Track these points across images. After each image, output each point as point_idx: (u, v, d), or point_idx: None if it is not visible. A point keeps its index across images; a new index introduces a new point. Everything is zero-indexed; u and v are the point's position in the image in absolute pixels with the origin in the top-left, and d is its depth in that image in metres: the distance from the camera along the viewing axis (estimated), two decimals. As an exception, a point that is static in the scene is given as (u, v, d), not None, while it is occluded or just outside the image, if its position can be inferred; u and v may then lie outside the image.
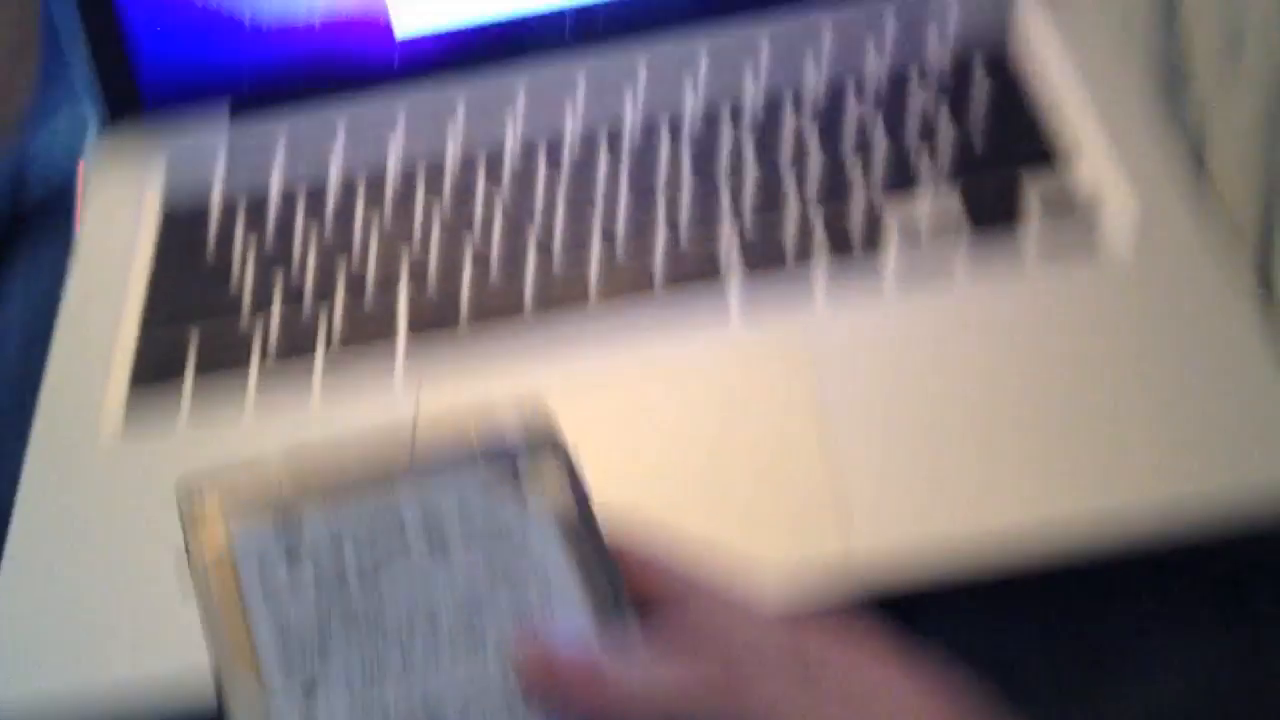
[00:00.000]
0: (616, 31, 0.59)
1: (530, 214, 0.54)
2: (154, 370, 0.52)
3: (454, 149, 0.57)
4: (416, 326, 0.51)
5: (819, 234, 0.51)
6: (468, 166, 0.57)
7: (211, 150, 0.59)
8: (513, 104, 0.58)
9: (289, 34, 0.59)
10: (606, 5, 0.59)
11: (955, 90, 0.54)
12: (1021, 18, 0.57)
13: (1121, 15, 0.55)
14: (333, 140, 0.58)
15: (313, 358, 0.51)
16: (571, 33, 0.59)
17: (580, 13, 0.59)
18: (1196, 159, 0.50)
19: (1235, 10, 0.52)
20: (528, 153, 0.56)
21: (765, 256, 0.50)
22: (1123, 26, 0.55)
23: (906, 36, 0.57)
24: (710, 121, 0.56)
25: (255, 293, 0.54)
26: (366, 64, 0.59)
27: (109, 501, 0.48)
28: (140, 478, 0.49)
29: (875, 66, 0.56)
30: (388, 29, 0.59)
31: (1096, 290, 0.47)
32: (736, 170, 0.54)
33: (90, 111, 0.60)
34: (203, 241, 0.56)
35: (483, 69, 0.59)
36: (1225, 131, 0.50)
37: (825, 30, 0.58)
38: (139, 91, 0.60)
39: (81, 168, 0.60)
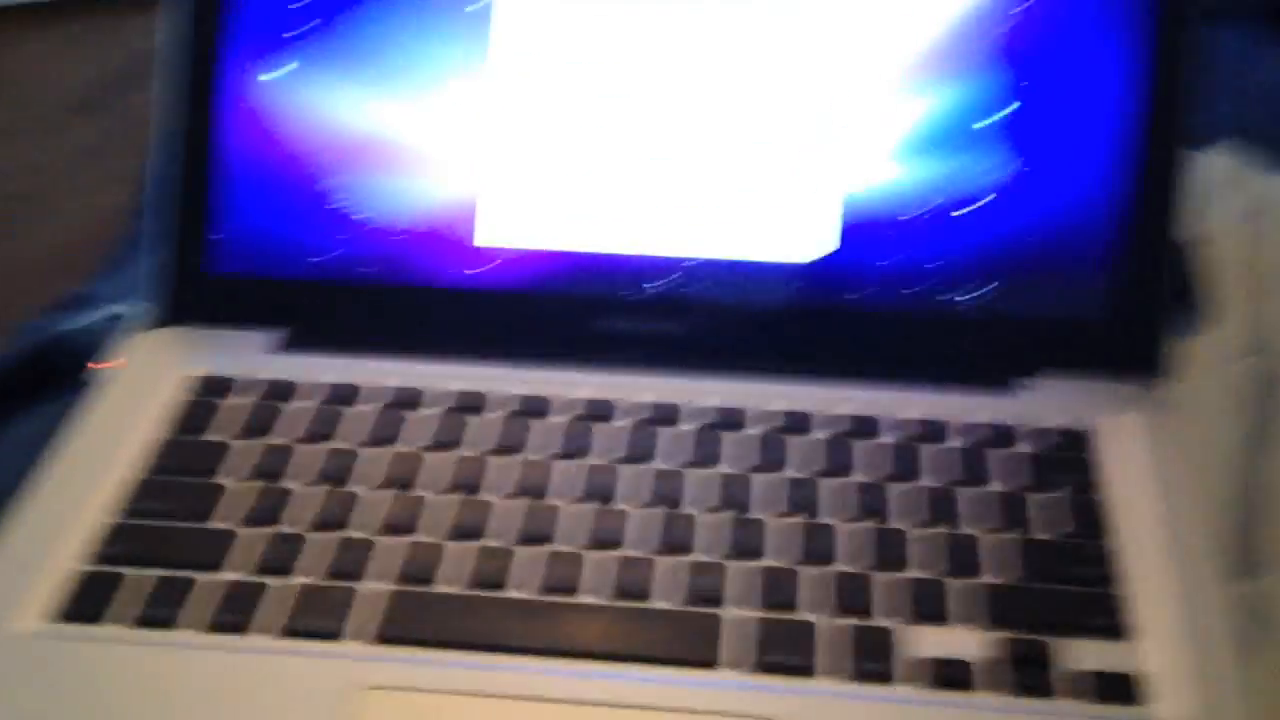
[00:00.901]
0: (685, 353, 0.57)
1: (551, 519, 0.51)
2: (79, 609, 0.47)
3: (492, 433, 0.54)
4: (386, 637, 0.46)
5: (825, 646, 0.46)
6: (505, 448, 0.53)
7: (248, 378, 0.56)
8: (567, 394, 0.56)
9: (367, 275, 0.58)
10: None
11: (1014, 523, 0.50)
12: (1105, 461, 0.53)
13: (1206, 481, 0.52)
14: (378, 400, 0.56)
15: (253, 637, 0.46)
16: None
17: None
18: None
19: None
20: (573, 441, 0.54)
21: (765, 656, 0.46)
22: (1203, 498, 0.51)
23: (975, 449, 0.53)
24: (741, 483, 0.52)
25: (218, 550, 0.49)
26: (438, 326, 0.58)
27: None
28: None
29: (932, 470, 0.52)
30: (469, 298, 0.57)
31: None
32: (754, 551, 0.49)
33: (145, 306, 0.58)
34: (199, 474, 0.52)
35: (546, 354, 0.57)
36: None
37: (887, 415, 0.54)
38: (201, 301, 0.58)
39: (112, 361, 0.58)
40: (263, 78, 0.57)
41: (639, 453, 0.53)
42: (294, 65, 0.57)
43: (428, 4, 0.56)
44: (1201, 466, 0.53)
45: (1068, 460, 0.53)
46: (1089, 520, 0.50)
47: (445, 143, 0.57)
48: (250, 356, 0.58)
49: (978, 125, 0.55)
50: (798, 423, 0.54)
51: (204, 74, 0.57)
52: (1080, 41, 0.55)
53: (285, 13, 0.57)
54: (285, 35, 0.57)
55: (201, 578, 0.48)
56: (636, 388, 0.56)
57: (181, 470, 0.53)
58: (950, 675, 0.45)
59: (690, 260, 0.57)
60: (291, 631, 0.47)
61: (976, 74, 0.55)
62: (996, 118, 0.55)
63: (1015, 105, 0.55)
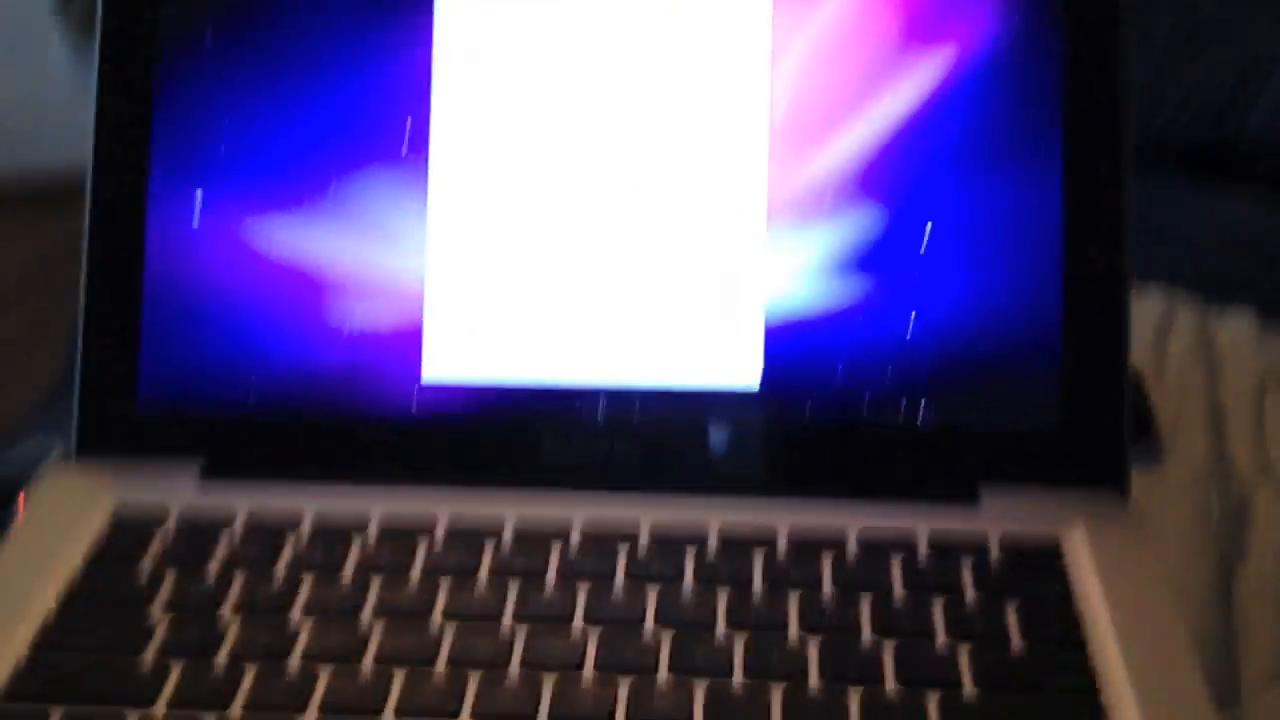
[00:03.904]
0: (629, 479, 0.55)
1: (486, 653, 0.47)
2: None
3: (421, 558, 0.51)
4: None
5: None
6: (429, 579, 0.50)
7: (172, 509, 0.53)
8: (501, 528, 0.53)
9: (290, 405, 0.55)
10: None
11: (991, 633, 0.48)
12: (1077, 572, 0.51)
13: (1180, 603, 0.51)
14: (296, 530, 0.53)
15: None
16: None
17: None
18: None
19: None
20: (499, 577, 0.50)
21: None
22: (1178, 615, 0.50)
23: (945, 560, 0.51)
24: (703, 605, 0.49)
25: (140, 683, 0.46)
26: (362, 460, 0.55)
27: None
28: None
29: (897, 588, 0.50)
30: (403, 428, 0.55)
31: None
32: (719, 669, 0.46)
33: (70, 440, 0.55)
34: (117, 607, 0.49)
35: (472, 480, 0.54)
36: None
37: (851, 530, 0.52)
38: (126, 434, 0.55)
39: (22, 499, 0.55)
40: (192, 207, 0.56)
41: (597, 574, 0.50)
42: (225, 192, 0.56)
43: (361, 136, 0.56)
44: (1173, 589, 0.51)
45: (1040, 570, 0.51)
46: (1067, 630, 0.48)
47: (384, 274, 0.56)
48: (176, 488, 0.54)
49: (920, 239, 0.55)
50: (760, 539, 0.52)
51: (130, 202, 0.56)
52: (1023, 156, 0.55)
53: (213, 139, 0.56)
54: (214, 160, 0.56)
55: (122, 713, 0.45)
56: (592, 510, 0.53)
57: (99, 604, 0.49)
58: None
59: (639, 388, 0.55)
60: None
61: (914, 190, 0.55)
62: (933, 234, 0.55)
63: (954, 220, 0.55)
